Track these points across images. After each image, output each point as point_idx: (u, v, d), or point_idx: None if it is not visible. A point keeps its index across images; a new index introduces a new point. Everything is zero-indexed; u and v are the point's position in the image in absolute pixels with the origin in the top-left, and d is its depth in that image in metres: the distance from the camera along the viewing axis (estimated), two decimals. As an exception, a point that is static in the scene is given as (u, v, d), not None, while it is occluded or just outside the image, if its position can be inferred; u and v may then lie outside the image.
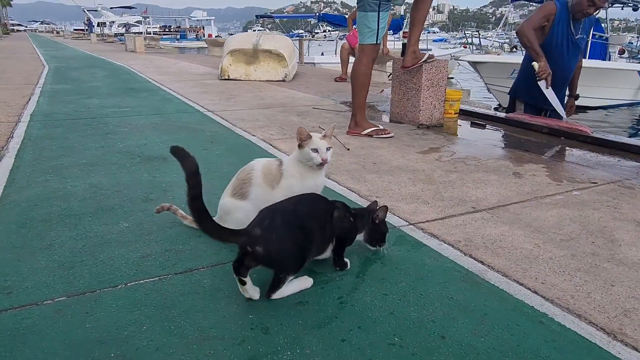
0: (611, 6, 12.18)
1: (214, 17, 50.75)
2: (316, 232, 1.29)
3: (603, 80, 10.38)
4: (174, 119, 3.77)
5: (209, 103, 4.62)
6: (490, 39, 18.75)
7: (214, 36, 30.70)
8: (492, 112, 4.16)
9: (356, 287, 1.33)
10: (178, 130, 3.34)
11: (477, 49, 16.00)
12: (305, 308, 1.23)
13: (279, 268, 1.23)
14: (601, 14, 11.96)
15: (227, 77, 6.90)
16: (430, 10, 3.67)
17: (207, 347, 1.07)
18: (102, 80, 6.54)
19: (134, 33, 22.52)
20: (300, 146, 1.44)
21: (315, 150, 1.43)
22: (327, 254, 1.39)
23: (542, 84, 3.33)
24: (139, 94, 5.28)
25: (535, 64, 3.31)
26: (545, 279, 1.40)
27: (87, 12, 53.79)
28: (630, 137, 5.69)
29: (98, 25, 46.80)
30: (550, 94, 3.38)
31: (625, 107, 12.15)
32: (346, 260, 1.42)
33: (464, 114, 4.11)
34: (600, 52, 11.52)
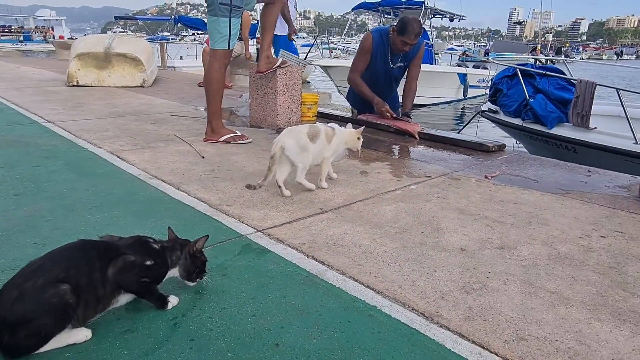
0: (433, 17, 14.70)
1: (64, 17, 45.86)
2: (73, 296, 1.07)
3: (430, 81, 12.29)
4: (3, 133, 3.30)
5: (49, 113, 4.14)
6: (337, 44, 20.64)
7: (66, 38, 27.76)
8: (348, 114, 4.38)
9: (194, 305, 1.28)
10: (5, 146, 2.93)
11: (331, 53, 17.17)
12: (133, 336, 1.14)
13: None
14: (425, 24, 14.02)
15: (76, 84, 6.27)
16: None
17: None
18: None
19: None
20: (359, 139, 2.36)
21: None
22: (123, 301, 1.21)
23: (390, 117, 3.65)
24: (-40, 104, 4.53)
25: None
26: (378, 272, 1.49)
27: None
28: (454, 131, 6.91)
29: None
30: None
31: (451, 105, 14.72)
32: (168, 298, 1.25)
33: (323, 116, 4.26)
34: (427, 57, 13.49)
